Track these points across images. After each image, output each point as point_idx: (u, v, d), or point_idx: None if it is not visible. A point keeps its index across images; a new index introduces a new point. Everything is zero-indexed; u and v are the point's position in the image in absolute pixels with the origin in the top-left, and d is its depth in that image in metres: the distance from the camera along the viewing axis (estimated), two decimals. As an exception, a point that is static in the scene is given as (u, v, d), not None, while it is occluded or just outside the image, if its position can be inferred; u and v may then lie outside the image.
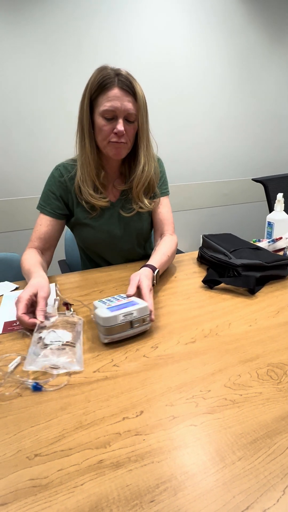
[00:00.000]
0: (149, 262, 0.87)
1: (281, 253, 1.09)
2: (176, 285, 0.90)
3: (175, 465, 0.39)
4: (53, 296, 0.82)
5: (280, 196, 1.17)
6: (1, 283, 0.94)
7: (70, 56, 1.86)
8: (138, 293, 0.73)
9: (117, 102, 0.83)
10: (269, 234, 1.21)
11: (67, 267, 1.42)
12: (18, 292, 0.83)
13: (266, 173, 2.65)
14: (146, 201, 1.01)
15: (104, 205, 0.98)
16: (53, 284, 0.92)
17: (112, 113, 0.84)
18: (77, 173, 0.95)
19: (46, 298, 0.71)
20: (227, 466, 0.39)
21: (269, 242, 1.12)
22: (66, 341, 0.62)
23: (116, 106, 0.83)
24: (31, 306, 0.70)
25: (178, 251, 1.32)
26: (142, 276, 0.76)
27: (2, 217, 1.95)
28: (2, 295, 0.87)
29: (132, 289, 0.72)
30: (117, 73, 0.84)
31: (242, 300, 0.80)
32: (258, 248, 0.99)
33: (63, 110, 1.91)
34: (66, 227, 1.07)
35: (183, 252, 1.21)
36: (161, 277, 0.95)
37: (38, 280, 0.75)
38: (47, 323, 0.67)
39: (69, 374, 0.56)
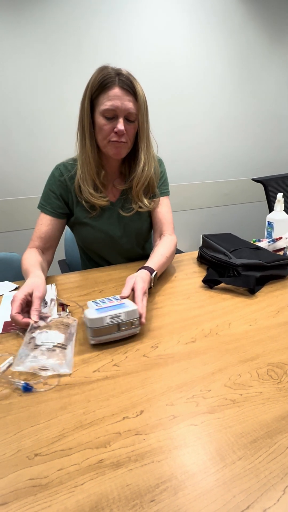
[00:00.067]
0: (147, 263, 0.86)
1: (281, 253, 1.09)
2: (176, 285, 0.90)
3: (175, 465, 0.39)
4: (50, 296, 0.82)
5: (280, 196, 1.17)
6: (1, 283, 0.94)
7: (70, 56, 1.86)
8: (133, 296, 0.73)
9: (117, 102, 0.83)
10: (269, 234, 1.21)
11: (67, 267, 1.42)
12: (17, 292, 0.82)
13: (266, 173, 2.65)
14: (145, 201, 1.01)
15: (104, 204, 0.98)
16: (53, 284, 0.92)
17: (112, 112, 0.84)
18: (77, 172, 0.95)
19: (41, 298, 0.70)
20: (228, 465, 0.39)
21: (269, 242, 1.12)
22: (58, 343, 0.61)
23: (116, 105, 0.83)
24: (27, 306, 0.70)
25: (178, 251, 1.32)
26: (138, 278, 0.74)
27: (2, 217, 1.95)
28: (2, 295, 0.87)
29: (126, 291, 0.71)
30: (118, 73, 0.84)
31: (242, 300, 0.80)
32: (258, 248, 0.99)
33: (63, 110, 1.91)
34: (66, 227, 1.07)
35: (183, 252, 1.21)
36: (161, 277, 0.95)
37: (34, 280, 0.75)
38: (41, 323, 0.66)
39: (59, 376, 0.55)
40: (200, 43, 2.18)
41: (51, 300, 0.79)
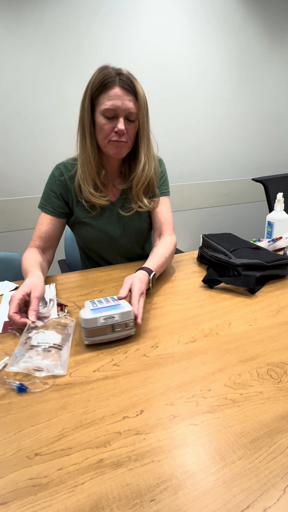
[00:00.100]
0: (146, 264, 0.85)
1: (281, 252, 1.09)
2: (176, 284, 0.90)
3: (175, 464, 0.39)
4: (49, 296, 0.82)
5: (280, 195, 1.17)
6: (1, 282, 0.94)
7: (70, 56, 1.86)
8: (130, 297, 0.72)
9: (118, 101, 0.83)
10: (269, 234, 1.21)
11: (66, 266, 1.42)
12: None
13: (266, 173, 2.66)
14: (145, 201, 1.01)
15: (104, 204, 0.98)
16: (52, 284, 0.92)
17: (113, 112, 0.84)
18: (78, 172, 0.95)
19: (39, 298, 0.70)
20: (228, 465, 0.39)
21: (269, 241, 1.12)
22: (53, 343, 0.61)
23: (117, 105, 0.83)
24: (25, 306, 0.70)
25: (178, 251, 1.32)
26: (135, 279, 0.74)
27: (2, 217, 1.95)
28: (2, 294, 0.87)
29: (123, 292, 0.70)
30: (118, 73, 0.84)
31: (242, 300, 0.80)
32: (258, 248, 0.99)
33: (63, 110, 1.91)
34: (66, 226, 1.07)
35: (183, 252, 1.21)
36: (161, 277, 0.95)
37: (32, 280, 0.75)
38: (38, 323, 0.66)
39: (54, 376, 0.55)
40: (200, 43, 2.18)
41: (50, 300, 0.78)
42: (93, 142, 0.91)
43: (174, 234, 1.05)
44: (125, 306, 0.65)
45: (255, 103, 2.50)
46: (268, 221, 1.21)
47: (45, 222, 0.98)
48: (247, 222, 2.76)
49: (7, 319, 0.73)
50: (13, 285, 0.92)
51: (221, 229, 2.64)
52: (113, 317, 0.62)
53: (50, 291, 0.87)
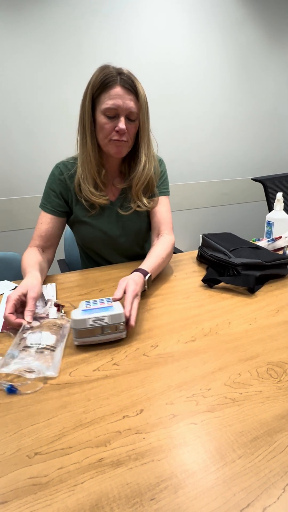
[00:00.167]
0: (142, 265, 0.85)
1: (280, 252, 1.09)
2: (176, 284, 0.90)
3: (175, 463, 0.39)
4: (48, 296, 0.82)
5: (279, 195, 1.17)
6: (1, 282, 0.94)
7: (70, 56, 1.86)
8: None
9: (119, 100, 0.83)
10: (269, 234, 1.21)
11: (66, 266, 1.42)
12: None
13: (266, 173, 2.66)
14: (145, 200, 1.01)
15: (104, 203, 0.98)
16: (53, 284, 0.92)
17: (114, 111, 0.85)
18: (78, 171, 0.95)
19: (36, 298, 0.70)
20: (228, 464, 0.39)
21: (268, 241, 1.12)
22: (47, 345, 0.60)
23: (118, 104, 0.84)
24: (21, 307, 0.69)
25: (178, 251, 1.32)
26: (130, 280, 0.73)
27: (2, 217, 1.95)
28: (2, 294, 0.87)
29: (118, 293, 0.70)
30: (119, 72, 0.84)
31: (242, 299, 0.80)
32: (258, 247, 0.99)
33: (63, 109, 1.91)
34: (66, 226, 1.07)
35: (183, 252, 1.21)
36: (161, 277, 0.95)
37: (29, 280, 0.75)
38: (35, 323, 0.66)
39: (45, 378, 0.55)
40: (200, 43, 2.18)
41: (48, 300, 0.78)
42: (93, 141, 0.91)
43: (172, 234, 1.04)
44: (116, 309, 0.64)
45: (255, 103, 2.50)
46: (268, 221, 1.21)
47: (45, 221, 0.98)
48: (246, 222, 2.76)
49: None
50: (12, 284, 0.92)
51: (220, 229, 2.64)
52: (103, 319, 0.61)
53: (50, 291, 0.87)
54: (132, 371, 0.56)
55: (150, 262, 0.87)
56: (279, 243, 1.10)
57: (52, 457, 0.41)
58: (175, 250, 1.40)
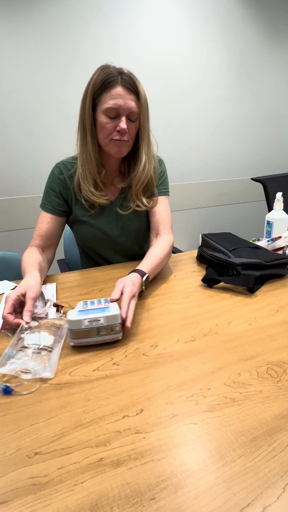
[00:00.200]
0: (139, 266, 0.85)
1: (280, 252, 1.09)
2: (176, 284, 0.90)
3: (175, 463, 0.39)
4: (48, 296, 0.82)
5: (279, 195, 1.18)
6: (1, 282, 0.94)
7: (70, 56, 1.86)
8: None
9: (120, 100, 0.83)
10: (268, 233, 1.21)
11: (66, 266, 1.42)
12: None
13: (265, 173, 2.66)
14: (144, 200, 1.01)
15: (104, 203, 0.98)
16: (54, 284, 0.92)
17: (115, 111, 0.85)
18: (78, 171, 0.95)
19: (34, 298, 0.70)
20: (228, 463, 0.39)
21: (268, 241, 1.13)
22: (44, 345, 0.60)
23: (119, 104, 0.84)
24: (20, 307, 0.69)
25: (177, 250, 1.32)
26: (128, 281, 0.73)
27: (2, 216, 1.95)
28: (2, 293, 0.87)
29: (115, 294, 0.69)
30: (120, 72, 0.84)
31: (242, 299, 0.80)
32: (258, 247, 1.00)
33: (63, 109, 1.91)
34: (66, 226, 1.07)
35: (182, 251, 1.21)
36: (160, 276, 0.95)
37: (28, 280, 0.74)
38: (33, 323, 0.66)
39: (41, 379, 0.55)
40: (200, 43, 2.18)
41: (48, 300, 0.78)
42: (94, 141, 0.91)
43: (171, 234, 1.04)
44: (113, 310, 0.63)
45: (255, 103, 2.50)
46: (268, 221, 1.21)
47: (45, 220, 0.98)
48: (246, 222, 2.77)
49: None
50: (12, 284, 0.92)
51: (220, 229, 2.64)
52: (98, 320, 0.61)
53: (50, 291, 0.87)
54: (132, 371, 0.56)
55: (148, 263, 0.87)
56: (279, 243, 1.10)
57: (52, 457, 0.41)
58: (175, 250, 1.40)
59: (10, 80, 1.77)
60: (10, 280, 0.95)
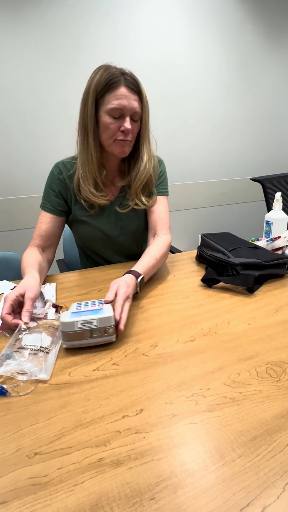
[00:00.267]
0: (135, 267, 0.84)
1: (279, 252, 1.09)
2: (175, 284, 0.90)
3: (175, 463, 0.39)
4: (48, 296, 0.82)
5: (278, 195, 1.18)
6: (0, 282, 0.93)
7: (70, 56, 1.86)
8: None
9: (124, 101, 0.84)
10: (268, 233, 1.21)
11: (65, 266, 1.42)
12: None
13: (265, 173, 2.66)
14: (143, 199, 1.01)
15: (104, 203, 0.98)
16: (53, 284, 0.92)
17: (119, 111, 0.85)
18: (78, 171, 0.95)
19: (33, 299, 0.69)
20: (227, 463, 0.39)
21: (267, 241, 1.13)
22: (41, 346, 0.60)
23: (124, 104, 0.84)
24: (19, 307, 0.69)
25: (177, 250, 1.32)
26: (122, 283, 0.72)
27: (2, 216, 1.95)
28: (2, 293, 0.87)
29: (110, 296, 0.69)
30: (123, 72, 0.85)
31: (241, 299, 0.80)
32: (257, 247, 1.00)
33: (63, 109, 1.91)
34: (66, 226, 1.07)
35: (182, 251, 1.21)
36: (160, 277, 0.95)
37: (28, 280, 0.74)
38: (32, 324, 0.65)
39: (37, 381, 0.54)
40: (199, 43, 2.18)
41: (47, 300, 0.78)
42: (96, 141, 0.91)
43: (169, 234, 1.03)
44: (106, 312, 0.62)
45: (254, 103, 2.51)
46: (267, 221, 1.21)
47: (44, 220, 0.98)
48: (245, 222, 2.77)
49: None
50: (12, 284, 0.92)
51: (219, 229, 2.64)
52: (91, 322, 0.60)
53: (50, 291, 0.87)
54: (131, 371, 0.56)
55: (143, 264, 0.86)
56: (278, 243, 1.10)
57: (51, 457, 0.41)
58: (174, 250, 1.41)
59: (10, 80, 1.77)
60: (9, 280, 0.95)
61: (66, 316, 0.61)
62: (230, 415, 0.46)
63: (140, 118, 0.91)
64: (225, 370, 0.55)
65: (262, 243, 1.13)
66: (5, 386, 0.52)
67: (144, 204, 1.01)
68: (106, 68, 0.85)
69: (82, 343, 0.61)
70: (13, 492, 0.36)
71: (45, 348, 0.60)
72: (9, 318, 0.65)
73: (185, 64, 2.18)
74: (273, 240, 1.11)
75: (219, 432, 0.43)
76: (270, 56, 2.45)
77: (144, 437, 0.43)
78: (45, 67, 1.83)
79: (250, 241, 1.13)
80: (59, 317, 0.71)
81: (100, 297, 0.82)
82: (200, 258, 1.05)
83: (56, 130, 1.93)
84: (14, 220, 1.98)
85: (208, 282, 0.87)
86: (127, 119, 0.86)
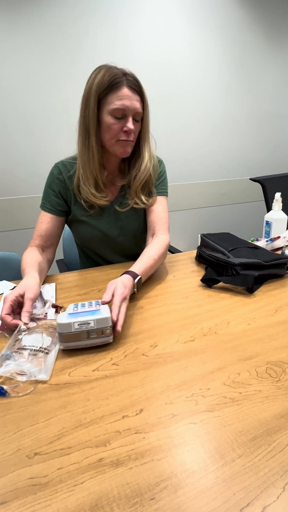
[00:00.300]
0: (132, 268, 0.84)
1: (279, 252, 1.09)
2: (175, 284, 0.90)
3: (175, 463, 0.39)
4: (47, 297, 0.82)
5: (278, 195, 1.18)
6: (0, 282, 0.93)
7: (70, 56, 1.86)
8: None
9: (127, 101, 0.84)
10: (267, 233, 1.21)
11: (65, 266, 1.42)
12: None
13: (264, 173, 2.66)
14: (143, 198, 1.01)
15: (104, 204, 0.98)
16: (53, 284, 0.92)
17: (122, 112, 0.85)
18: (77, 172, 0.95)
19: (33, 299, 0.69)
20: (227, 463, 0.39)
21: (267, 241, 1.13)
22: (41, 347, 0.59)
23: (126, 105, 0.84)
24: (19, 307, 0.69)
25: (176, 250, 1.32)
26: (119, 283, 0.72)
27: (2, 217, 1.95)
28: (2, 293, 0.87)
29: (107, 296, 0.68)
30: (124, 73, 0.85)
31: (241, 299, 0.80)
32: (256, 247, 1.00)
33: (63, 109, 1.91)
34: (66, 226, 1.07)
35: (181, 252, 1.21)
36: (159, 277, 0.95)
37: (27, 281, 0.74)
38: (31, 324, 0.65)
39: (36, 382, 0.54)
40: (199, 43, 2.18)
41: (47, 301, 0.78)
42: (98, 142, 0.91)
43: (168, 234, 1.03)
44: (103, 313, 0.62)
45: (253, 103, 2.51)
46: (266, 221, 1.21)
47: (44, 220, 0.98)
48: (245, 222, 2.77)
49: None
50: (11, 285, 0.92)
51: (219, 229, 2.64)
52: (88, 323, 0.60)
53: (50, 291, 0.87)
54: (131, 371, 0.56)
55: (141, 264, 0.86)
56: (278, 243, 1.10)
57: (51, 457, 0.41)
58: (174, 250, 1.41)
59: (10, 80, 1.77)
60: (9, 280, 0.95)
61: (63, 317, 0.61)
62: (230, 415, 0.46)
63: (141, 118, 0.91)
64: (225, 370, 0.55)
65: (261, 243, 1.13)
66: (4, 387, 0.52)
67: (144, 203, 1.01)
68: (107, 68, 0.85)
69: (79, 344, 0.61)
70: (13, 492, 0.36)
71: (45, 349, 0.60)
72: (9, 319, 0.65)
73: (185, 64, 2.18)
74: (272, 240, 1.12)
75: (219, 432, 0.43)
76: (270, 56, 2.45)
77: (144, 437, 0.43)
78: (45, 67, 1.83)
79: (250, 241, 1.13)
80: None
81: (100, 297, 0.82)
82: (200, 258, 1.05)
83: (56, 130, 1.93)
84: (14, 220, 1.98)
85: (208, 282, 0.87)
86: (130, 119, 0.86)
